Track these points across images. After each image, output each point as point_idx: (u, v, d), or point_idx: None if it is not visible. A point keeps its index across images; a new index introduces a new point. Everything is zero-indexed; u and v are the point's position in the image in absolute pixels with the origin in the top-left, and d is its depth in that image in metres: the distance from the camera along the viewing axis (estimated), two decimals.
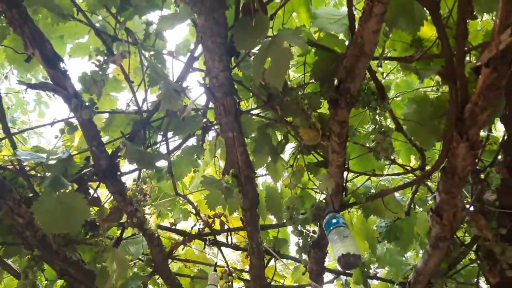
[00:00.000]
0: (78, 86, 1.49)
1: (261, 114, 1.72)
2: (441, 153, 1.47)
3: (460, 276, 2.15)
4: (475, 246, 1.93)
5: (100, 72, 1.40)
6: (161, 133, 1.73)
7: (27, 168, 1.77)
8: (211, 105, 1.70)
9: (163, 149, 1.84)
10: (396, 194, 2.12)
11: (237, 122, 1.55)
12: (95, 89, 1.38)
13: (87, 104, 1.48)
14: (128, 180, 2.04)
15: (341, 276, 2.55)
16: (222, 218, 2.40)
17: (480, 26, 1.58)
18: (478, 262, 1.96)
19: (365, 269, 2.25)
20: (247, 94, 1.67)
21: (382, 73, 1.73)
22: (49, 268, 2.43)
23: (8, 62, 1.65)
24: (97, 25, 1.57)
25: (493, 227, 1.70)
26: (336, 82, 1.42)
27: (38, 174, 1.81)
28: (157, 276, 2.63)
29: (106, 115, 1.76)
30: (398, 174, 1.97)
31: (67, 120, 1.54)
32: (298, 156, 1.88)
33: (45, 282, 2.56)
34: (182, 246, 2.72)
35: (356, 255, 1.50)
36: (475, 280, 2.09)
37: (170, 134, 1.82)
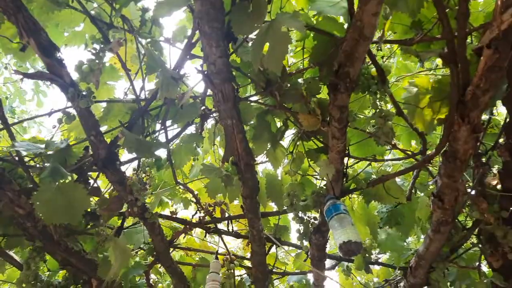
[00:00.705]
0: (75, 76, 1.48)
1: (260, 100, 1.71)
2: (442, 136, 1.45)
3: (462, 260, 2.15)
4: (476, 230, 1.93)
5: (96, 61, 1.38)
6: (160, 121, 1.71)
7: (26, 159, 1.76)
8: (209, 92, 1.68)
9: (162, 137, 1.83)
10: (397, 179, 2.11)
11: (236, 109, 1.54)
12: (93, 77, 1.36)
13: (84, 93, 1.47)
14: (128, 170, 2.04)
15: (343, 262, 2.56)
16: (223, 206, 2.39)
17: (481, 7, 1.55)
18: (480, 246, 1.96)
19: (367, 255, 2.25)
20: (246, 80, 1.65)
21: (382, 57, 1.71)
22: (51, 259, 2.44)
23: (4, 51, 1.63)
24: (92, 12, 1.54)
25: (495, 210, 1.70)
26: (335, 66, 1.40)
27: (37, 165, 1.80)
28: (159, 265, 2.64)
29: (104, 105, 1.74)
30: (399, 159, 1.96)
31: (65, 110, 1.52)
32: (298, 143, 1.87)
33: (48, 272, 2.57)
34: (183, 235, 2.73)
35: (357, 242, 1.50)
36: (477, 263, 2.09)
37: (169, 123, 1.81)
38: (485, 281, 2.13)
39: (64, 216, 1.66)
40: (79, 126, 1.63)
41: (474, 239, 2.08)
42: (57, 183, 1.65)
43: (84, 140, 1.72)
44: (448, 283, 2.22)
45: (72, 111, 1.55)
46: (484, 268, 2.23)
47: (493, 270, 2.13)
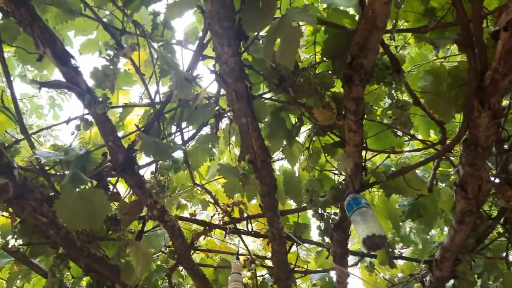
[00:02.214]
0: (90, 82, 1.50)
1: (273, 97, 1.70)
2: (462, 124, 1.43)
3: (489, 251, 2.11)
4: (502, 219, 1.89)
5: (111, 66, 1.40)
6: (175, 123, 1.72)
7: (47, 168, 1.79)
8: (222, 92, 1.68)
9: (178, 139, 1.84)
10: (418, 170, 2.08)
11: (250, 107, 1.53)
12: (108, 83, 1.37)
13: (100, 99, 1.48)
14: (146, 173, 2.05)
15: (366, 258, 2.53)
16: (241, 206, 2.39)
17: None
18: (507, 235, 1.92)
19: (390, 249, 2.23)
20: (258, 78, 1.65)
21: (396, 47, 1.68)
22: (75, 266, 2.47)
23: (22, 62, 1.66)
24: (105, 19, 1.56)
25: None
26: (348, 58, 1.39)
27: (58, 173, 1.82)
28: (181, 268, 2.65)
29: (120, 110, 1.76)
30: (418, 150, 1.93)
31: (82, 117, 1.54)
32: (314, 138, 1.85)
33: (72, 280, 2.61)
34: (203, 237, 2.74)
35: (381, 235, 1.47)
36: (504, 254, 2.05)
37: (184, 124, 1.82)
38: None
39: (85, 222, 1.69)
40: (97, 132, 1.65)
41: (500, 229, 2.03)
42: (78, 190, 1.68)
43: (102, 146, 1.73)
44: (476, 275, 2.18)
45: (90, 117, 1.57)
46: None
47: None
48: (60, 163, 1.63)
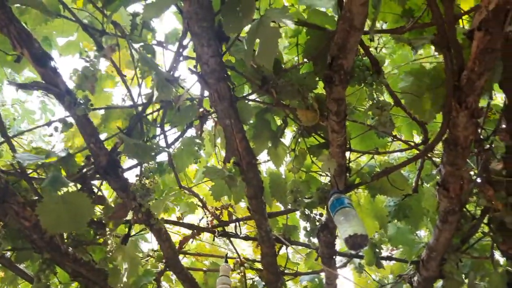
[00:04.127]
0: (71, 85, 1.50)
1: (257, 99, 1.70)
2: (442, 124, 1.43)
3: (475, 251, 2.11)
4: (486, 219, 1.89)
5: (91, 68, 1.40)
6: (159, 125, 1.72)
7: (29, 171, 1.78)
8: (206, 93, 1.69)
9: (163, 142, 1.84)
10: (403, 171, 2.08)
11: (233, 109, 1.54)
12: (88, 84, 1.37)
13: (81, 101, 1.48)
14: (132, 176, 2.05)
15: (355, 259, 2.53)
16: (230, 209, 2.39)
17: None
18: (491, 234, 1.92)
19: (377, 250, 2.23)
20: (242, 80, 1.65)
21: (376, 48, 1.70)
22: (62, 271, 2.45)
23: (0, 64, 1.66)
24: (85, 21, 1.56)
25: (502, 196, 1.67)
26: (328, 59, 1.40)
27: (40, 176, 1.82)
28: (170, 272, 2.64)
29: (102, 112, 1.76)
30: (400, 151, 1.94)
31: (62, 118, 1.54)
32: (299, 139, 1.86)
33: (60, 285, 2.59)
34: (193, 241, 2.73)
35: (363, 235, 1.48)
36: (490, 253, 2.05)
37: (169, 128, 1.82)
38: (499, 271, 2.09)
39: (69, 225, 1.68)
40: (79, 134, 1.64)
41: (485, 228, 2.04)
42: (61, 193, 1.68)
43: (85, 149, 1.73)
44: (463, 275, 2.18)
45: (70, 119, 1.56)
46: (499, 257, 2.19)
47: (507, 258, 2.10)
48: (42, 166, 1.62)
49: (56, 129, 1.56)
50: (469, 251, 2.03)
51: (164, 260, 2.38)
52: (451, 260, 1.98)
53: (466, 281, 2.18)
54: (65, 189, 1.74)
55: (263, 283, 2.56)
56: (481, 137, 1.57)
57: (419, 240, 2.30)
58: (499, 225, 1.77)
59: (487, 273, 2.14)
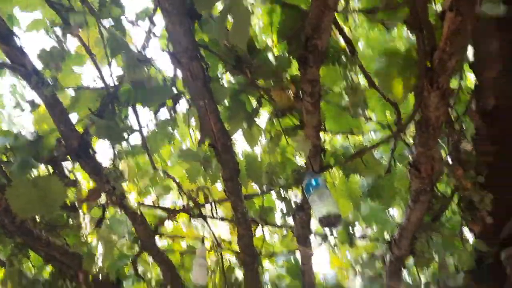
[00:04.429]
0: (39, 65, 1.45)
1: (232, 79, 1.69)
2: (414, 105, 1.45)
3: (445, 229, 2.17)
4: (456, 198, 1.94)
5: (58, 46, 1.35)
6: (131, 106, 1.68)
7: None
8: (179, 74, 1.66)
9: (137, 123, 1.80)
10: (377, 152, 2.11)
11: (207, 89, 1.51)
12: (54, 63, 1.33)
13: (49, 81, 1.44)
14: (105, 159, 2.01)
15: (329, 239, 2.57)
16: (206, 191, 2.38)
17: None
18: (461, 213, 1.98)
19: (351, 229, 2.27)
20: (216, 59, 1.62)
21: (350, 28, 1.69)
22: (35, 255, 2.41)
23: None
24: None
25: (471, 176, 1.71)
26: (303, 39, 1.38)
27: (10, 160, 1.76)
28: (147, 254, 2.63)
29: (72, 93, 1.71)
30: (374, 131, 1.95)
31: (29, 99, 1.49)
32: (274, 121, 1.85)
33: (33, 269, 2.55)
34: (169, 222, 2.72)
35: (336, 214, 1.50)
36: (459, 231, 2.11)
37: (142, 108, 1.78)
38: (468, 248, 2.16)
39: (39, 209, 1.65)
40: (49, 116, 1.59)
41: (455, 207, 2.09)
42: (32, 177, 1.63)
43: (56, 131, 1.68)
44: (433, 252, 2.24)
45: (39, 100, 1.51)
46: (468, 235, 2.26)
47: (475, 236, 2.16)
48: (11, 149, 1.58)
49: (21, 110, 1.51)
50: (439, 229, 2.09)
51: (139, 243, 2.37)
52: (422, 238, 2.04)
53: (436, 258, 2.26)
54: (36, 173, 1.71)
55: (240, 263, 2.59)
56: (452, 118, 1.59)
57: (391, 219, 2.34)
58: (468, 204, 1.82)
59: (456, 250, 2.21)
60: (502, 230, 1.94)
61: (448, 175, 1.68)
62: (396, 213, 2.69)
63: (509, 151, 1.63)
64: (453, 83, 1.48)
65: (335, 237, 2.49)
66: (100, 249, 2.18)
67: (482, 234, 1.99)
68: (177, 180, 2.31)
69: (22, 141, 1.55)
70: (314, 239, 2.56)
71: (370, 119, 1.70)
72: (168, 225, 2.70)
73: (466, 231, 2.16)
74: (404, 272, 2.68)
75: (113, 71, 1.62)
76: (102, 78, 1.60)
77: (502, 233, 1.95)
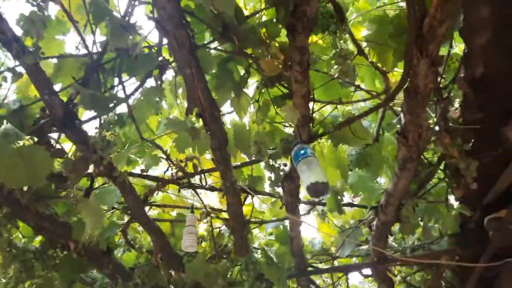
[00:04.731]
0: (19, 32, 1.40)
1: (219, 47, 1.65)
2: (403, 73, 1.44)
3: (430, 196, 2.21)
4: (442, 165, 1.97)
5: (38, 12, 1.30)
6: (116, 75, 1.65)
7: None
8: (165, 41, 1.61)
9: (122, 93, 1.77)
10: (365, 121, 2.12)
11: (194, 57, 1.48)
12: (35, 30, 1.28)
13: (30, 49, 1.39)
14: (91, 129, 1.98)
15: (317, 207, 2.61)
16: (194, 160, 2.37)
17: None
18: (446, 180, 2.01)
19: (339, 197, 2.30)
20: (202, 26, 1.58)
21: None
22: (25, 225, 2.41)
23: None
24: None
25: (458, 144, 1.73)
26: (291, 6, 1.35)
27: None
28: (137, 224, 2.65)
29: (55, 61, 1.66)
30: (363, 100, 1.95)
31: (11, 68, 1.45)
32: (262, 90, 1.83)
33: (23, 239, 2.56)
34: (158, 193, 2.72)
35: (324, 182, 1.51)
36: (445, 198, 2.16)
37: (127, 77, 1.75)
38: (453, 213, 2.22)
39: (26, 179, 1.63)
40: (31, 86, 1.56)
41: (441, 174, 2.13)
42: (17, 146, 1.61)
43: (39, 100, 1.65)
44: (419, 219, 2.29)
45: (21, 69, 1.47)
46: (453, 202, 2.31)
47: (460, 202, 2.21)
48: None
49: (5, 79, 1.47)
50: (425, 196, 2.13)
51: (129, 212, 2.38)
52: (408, 205, 2.08)
53: (421, 224, 2.31)
54: (21, 143, 1.68)
55: (229, 231, 2.62)
56: (440, 85, 1.59)
57: (378, 187, 2.38)
58: (454, 171, 1.85)
59: (441, 216, 2.26)
60: (486, 196, 1.99)
61: (435, 143, 1.70)
62: (383, 181, 2.73)
63: (495, 118, 1.64)
64: (443, 51, 1.47)
65: (323, 205, 2.52)
66: (89, 219, 2.18)
67: (467, 200, 2.03)
68: (166, 150, 2.30)
69: (5, 110, 1.51)
70: (302, 207, 2.60)
71: (359, 87, 1.69)
72: (157, 194, 2.70)
73: (451, 198, 2.21)
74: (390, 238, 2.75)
75: (97, 40, 1.57)
76: (85, 46, 1.56)
77: (485, 198, 2.00)
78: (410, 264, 2.75)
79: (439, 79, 1.54)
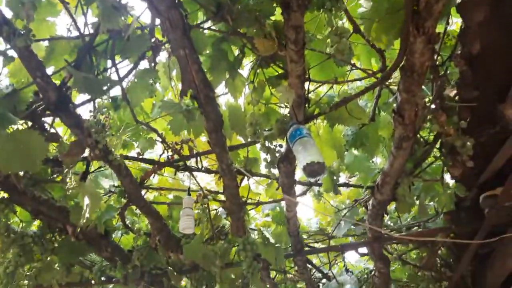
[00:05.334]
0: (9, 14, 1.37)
1: (213, 27, 1.63)
2: (399, 50, 1.43)
3: (426, 174, 2.22)
4: (438, 143, 1.97)
5: None
6: (109, 57, 1.62)
7: None
8: (158, 22, 1.59)
9: (116, 76, 1.75)
10: (361, 100, 2.11)
11: (187, 38, 1.46)
12: (24, 12, 1.25)
13: (21, 31, 1.36)
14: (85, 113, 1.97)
15: (313, 187, 2.62)
16: (190, 143, 2.36)
17: None
18: (442, 158, 2.02)
19: (335, 177, 2.31)
20: (195, 6, 1.56)
21: None
22: (22, 210, 2.41)
23: None
24: None
25: (454, 122, 1.73)
26: None
27: None
28: (135, 207, 2.65)
29: (47, 44, 1.63)
30: (359, 79, 1.94)
31: (2, 51, 1.42)
32: (257, 71, 1.81)
33: (21, 224, 2.56)
34: (154, 176, 2.72)
35: (320, 162, 1.51)
36: (440, 176, 2.17)
37: (121, 59, 1.72)
38: (448, 192, 2.23)
39: (21, 164, 1.62)
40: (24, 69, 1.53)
41: (437, 153, 2.14)
42: (11, 131, 1.59)
43: (32, 84, 1.62)
44: (414, 197, 2.31)
45: (13, 52, 1.45)
46: (449, 180, 2.33)
47: (456, 180, 2.23)
48: None
49: None
50: (421, 174, 2.14)
51: (126, 196, 2.38)
52: (404, 184, 2.08)
53: (418, 202, 2.33)
54: (15, 127, 1.67)
55: (226, 213, 2.63)
56: (437, 63, 1.58)
57: (374, 167, 2.38)
58: (450, 149, 1.85)
59: (437, 194, 2.28)
60: (482, 174, 2.00)
61: (432, 121, 1.69)
62: (379, 161, 2.74)
63: (492, 96, 1.64)
64: (439, 28, 1.45)
65: (319, 186, 2.53)
66: (86, 202, 2.19)
67: (463, 178, 2.05)
68: (161, 133, 2.29)
69: None
70: (298, 188, 2.61)
71: (355, 65, 1.68)
72: (154, 177, 2.70)
73: (446, 177, 2.23)
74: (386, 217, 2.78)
75: (89, 21, 1.54)
76: (77, 28, 1.53)
77: (481, 176, 2.01)
78: (405, 242, 2.78)
79: (435, 56, 1.53)
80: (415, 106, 1.57)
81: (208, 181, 3.15)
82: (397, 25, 1.43)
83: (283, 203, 2.78)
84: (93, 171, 2.21)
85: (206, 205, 2.59)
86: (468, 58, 1.53)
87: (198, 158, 2.48)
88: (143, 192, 2.39)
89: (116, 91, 1.83)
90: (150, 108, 2.42)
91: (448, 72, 1.62)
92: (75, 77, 1.42)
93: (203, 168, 2.52)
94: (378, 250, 2.70)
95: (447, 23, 1.55)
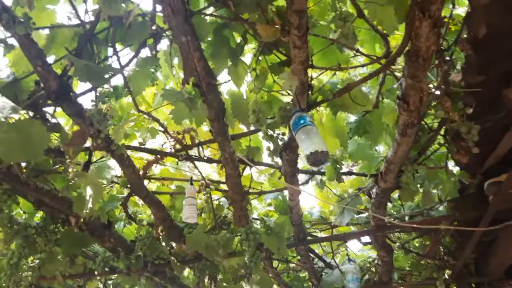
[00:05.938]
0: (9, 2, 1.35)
1: (214, 13, 1.60)
2: (404, 35, 1.41)
3: (430, 162, 2.21)
4: (443, 130, 1.96)
5: None
6: (110, 45, 1.61)
7: None
8: (159, 8, 1.57)
9: (117, 64, 1.73)
10: (365, 87, 2.08)
11: (189, 24, 1.44)
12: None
13: (21, 19, 1.35)
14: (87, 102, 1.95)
15: (316, 176, 2.61)
16: (192, 133, 2.35)
17: None
18: (447, 145, 2.01)
19: (338, 165, 2.30)
20: None
21: None
22: (25, 201, 2.41)
23: None
24: None
25: (459, 108, 1.71)
26: None
27: None
28: (137, 197, 2.65)
29: (47, 32, 1.61)
30: (363, 65, 1.92)
31: (3, 39, 1.40)
32: (260, 57, 1.79)
33: (24, 215, 2.56)
34: (157, 166, 2.72)
35: (324, 151, 1.50)
36: (445, 163, 2.15)
37: (122, 48, 1.70)
38: (452, 179, 2.22)
39: (23, 154, 1.61)
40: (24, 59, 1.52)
41: (441, 140, 2.12)
42: (12, 121, 1.58)
43: (33, 73, 1.61)
44: (418, 185, 2.30)
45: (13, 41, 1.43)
46: (452, 167, 2.32)
47: (460, 168, 2.22)
48: None
49: None
50: (425, 162, 2.12)
51: (129, 186, 2.37)
52: (408, 171, 2.07)
53: (421, 190, 2.32)
54: (17, 117, 1.65)
55: (229, 202, 2.62)
56: (442, 48, 1.56)
57: (378, 155, 2.37)
58: (454, 135, 1.84)
59: (441, 182, 2.26)
60: (486, 160, 1.99)
61: (436, 107, 1.68)
62: (382, 149, 2.73)
63: (497, 81, 1.62)
64: (445, 12, 1.43)
65: (322, 174, 2.52)
66: (89, 193, 2.18)
67: (467, 164, 2.03)
68: (163, 122, 2.27)
69: None
70: (301, 177, 2.60)
71: (359, 51, 1.66)
72: (156, 167, 2.70)
73: (450, 164, 2.21)
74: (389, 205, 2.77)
75: (89, 9, 1.52)
76: (77, 15, 1.51)
77: (486, 163, 2.00)
78: (409, 230, 2.78)
79: (440, 41, 1.51)
80: (420, 92, 1.55)
81: (210, 172, 3.15)
82: (402, 9, 1.40)
83: (285, 192, 2.78)
84: (95, 161, 2.20)
85: (208, 195, 2.59)
86: (474, 42, 1.51)
87: (200, 148, 2.47)
88: (145, 182, 2.39)
89: (116, 80, 1.82)
90: (152, 98, 2.40)
91: (453, 57, 1.60)
92: (77, 65, 1.41)
93: (205, 158, 2.51)
94: (381, 238, 2.69)
95: (453, 6, 1.52)
